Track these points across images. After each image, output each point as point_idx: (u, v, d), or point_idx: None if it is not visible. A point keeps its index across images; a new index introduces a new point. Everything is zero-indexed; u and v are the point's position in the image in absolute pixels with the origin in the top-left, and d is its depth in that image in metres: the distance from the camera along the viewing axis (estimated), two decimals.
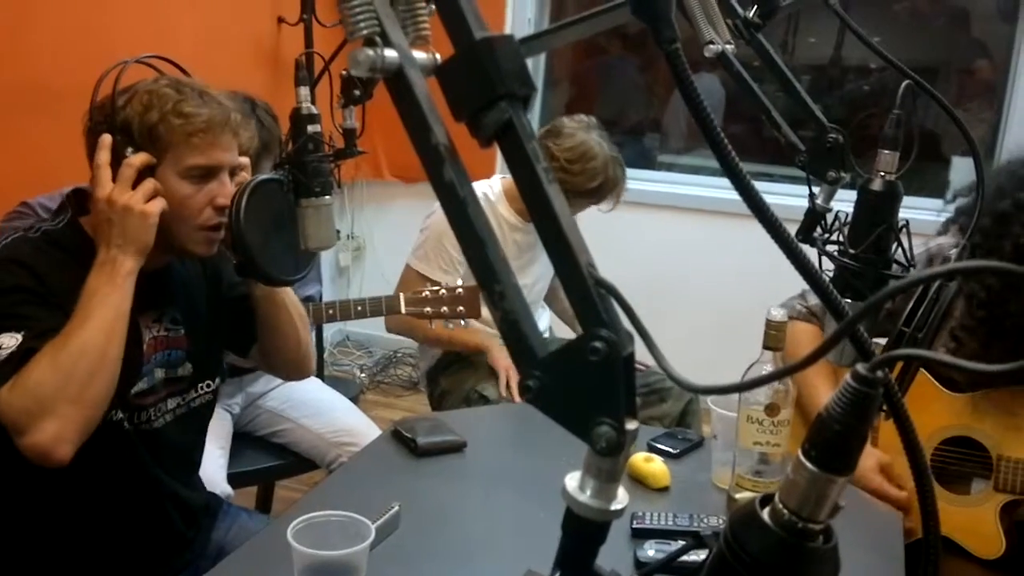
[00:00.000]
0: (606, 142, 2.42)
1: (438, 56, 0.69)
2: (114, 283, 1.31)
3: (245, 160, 1.47)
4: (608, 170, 2.39)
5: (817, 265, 0.71)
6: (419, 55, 0.68)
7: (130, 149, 1.34)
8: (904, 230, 1.17)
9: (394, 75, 0.65)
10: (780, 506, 0.55)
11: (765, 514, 0.56)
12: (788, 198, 2.51)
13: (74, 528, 1.43)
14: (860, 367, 0.50)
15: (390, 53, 0.65)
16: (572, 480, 0.63)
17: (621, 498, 0.63)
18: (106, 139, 1.34)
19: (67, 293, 1.31)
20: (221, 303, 1.61)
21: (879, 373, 0.51)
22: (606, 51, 4.59)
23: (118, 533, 1.47)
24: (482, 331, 2.51)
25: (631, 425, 0.60)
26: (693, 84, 0.62)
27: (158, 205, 1.34)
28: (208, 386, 1.58)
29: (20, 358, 1.25)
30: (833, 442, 0.52)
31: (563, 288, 0.62)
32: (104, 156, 1.34)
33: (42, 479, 1.33)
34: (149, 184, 1.34)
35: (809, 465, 0.53)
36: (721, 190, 3.90)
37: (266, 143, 1.91)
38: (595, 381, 0.59)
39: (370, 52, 0.64)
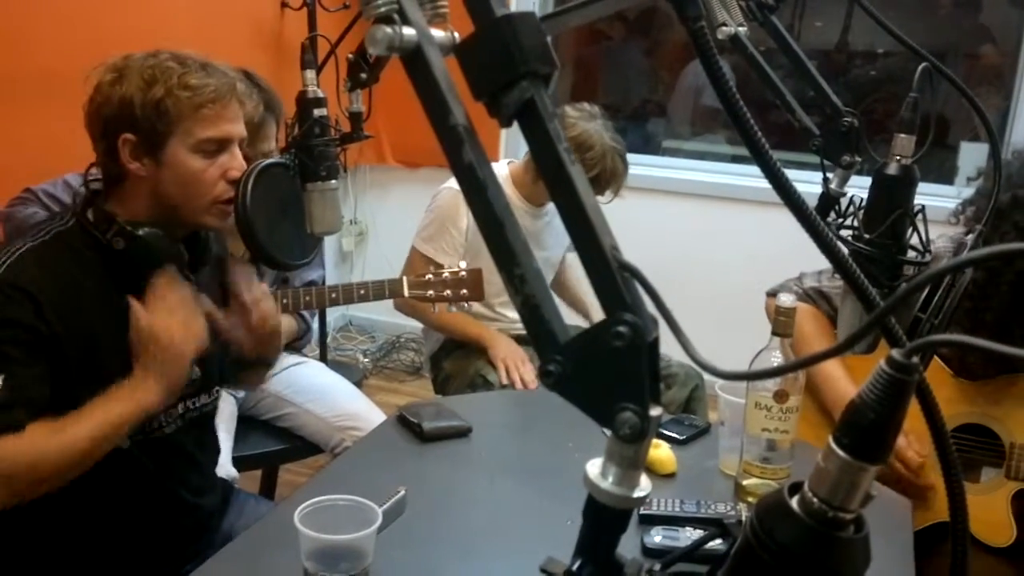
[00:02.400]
0: (608, 132, 2.37)
1: (456, 34, 0.67)
2: (133, 402, 1.30)
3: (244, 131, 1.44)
4: (606, 160, 2.34)
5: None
6: (437, 33, 0.66)
7: (129, 135, 1.32)
8: (920, 215, 1.15)
9: (412, 54, 0.64)
10: (809, 494, 0.54)
11: (794, 502, 0.54)
12: (795, 184, 2.48)
13: (83, 535, 1.41)
14: (896, 353, 0.49)
15: (408, 31, 0.63)
16: (594, 467, 0.62)
17: (644, 485, 0.62)
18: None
19: (69, 306, 1.30)
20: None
21: (914, 359, 0.49)
22: (609, 36, 4.56)
23: (128, 539, 1.46)
24: (483, 324, 2.51)
25: (655, 411, 0.59)
26: (719, 62, 0.61)
27: (194, 343, 1.35)
28: (216, 391, 1.57)
29: None
30: (867, 430, 0.51)
31: (586, 271, 0.61)
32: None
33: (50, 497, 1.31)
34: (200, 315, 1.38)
35: (841, 453, 0.52)
36: (726, 176, 3.87)
37: (268, 102, 1.89)
38: (619, 366, 0.58)
39: (388, 30, 0.62)
